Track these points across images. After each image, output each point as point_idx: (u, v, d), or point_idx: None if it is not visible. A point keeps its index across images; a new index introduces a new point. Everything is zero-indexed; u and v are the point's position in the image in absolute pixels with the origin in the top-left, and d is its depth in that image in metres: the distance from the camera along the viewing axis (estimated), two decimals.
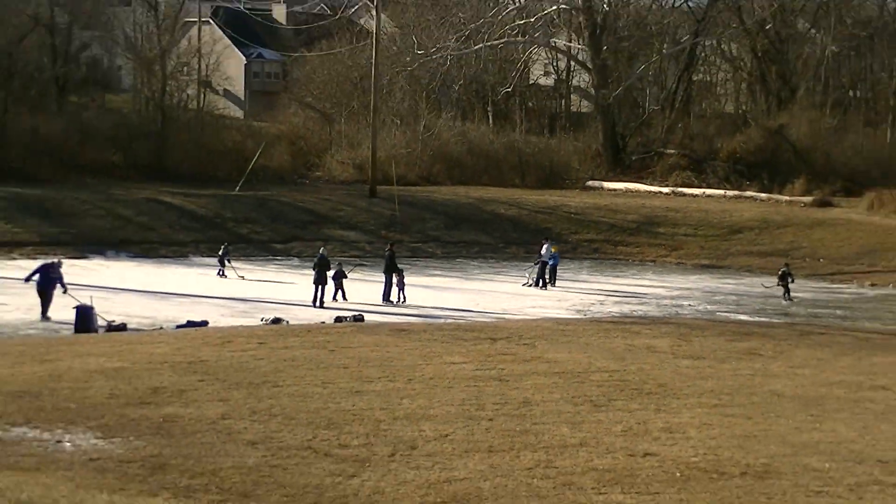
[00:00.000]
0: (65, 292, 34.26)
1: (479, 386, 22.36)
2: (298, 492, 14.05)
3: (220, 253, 45.53)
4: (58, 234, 50.63)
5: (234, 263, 44.95)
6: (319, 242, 45.29)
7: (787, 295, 41.87)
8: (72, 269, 40.13)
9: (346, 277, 39.88)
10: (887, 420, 20.18)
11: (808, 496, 15.08)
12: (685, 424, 19.04)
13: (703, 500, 14.62)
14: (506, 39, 64.64)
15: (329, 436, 17.56)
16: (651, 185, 65.83)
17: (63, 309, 33.68)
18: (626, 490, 14.98)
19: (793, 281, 42.33)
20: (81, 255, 48.25)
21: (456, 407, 20.20)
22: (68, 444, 16.53)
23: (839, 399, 22.23)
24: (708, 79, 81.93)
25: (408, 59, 64.34)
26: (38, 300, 34.74)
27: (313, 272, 39.31)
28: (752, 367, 25.88)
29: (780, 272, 42.58)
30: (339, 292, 39.56)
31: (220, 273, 45.27)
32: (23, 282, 35.99)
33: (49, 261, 36.71)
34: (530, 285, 45.44)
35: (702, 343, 29.38)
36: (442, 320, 35.75)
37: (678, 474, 15.86)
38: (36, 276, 35.06)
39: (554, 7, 65.91)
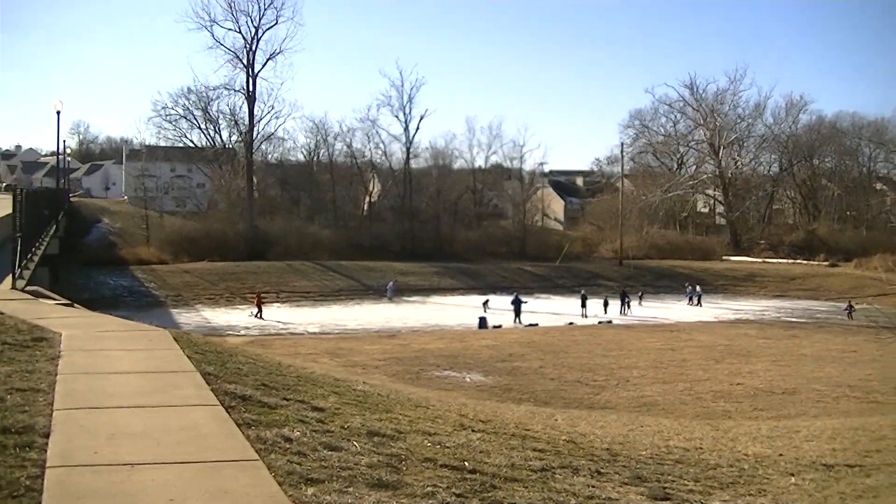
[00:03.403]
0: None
1: (660, 351, 41.77)
2: (571, 402, 32.81)
3: (513, 298, 67.33)
4: (474, 284, 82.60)
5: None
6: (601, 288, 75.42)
7: (850, 316, 64.90)
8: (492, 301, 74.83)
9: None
10: (854, 366, 38.28)
11: (812, 404, 33.04)
12: (758, 370, 37.11)
13: (764, 404, 32.59)
14: (684, 191, 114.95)
15: (587, 376, 37.12)
16: (753, 257, 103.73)
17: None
18: (727, 400, 32.98)
19: (854, 309, 66.65)
20: (484, 294, 75.38)
21: (649, 361, 39.55)
22: (468, 378, 36.93)
23: (833, 356, 40.34)
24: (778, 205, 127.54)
25: (641, 199, 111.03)
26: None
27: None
28: (793, 342, 43.66)
29: (848, 303, 68.87)
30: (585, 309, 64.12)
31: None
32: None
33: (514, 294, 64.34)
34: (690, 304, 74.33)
35: (771, 331, 48.12)
36: (647, 322, 57.39)
37: (752, 393, 34.08)
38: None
39: (706, 175, 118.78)
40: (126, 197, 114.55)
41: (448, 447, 8.86)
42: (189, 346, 12.67)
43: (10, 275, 20.63)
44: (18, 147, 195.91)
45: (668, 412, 30.17)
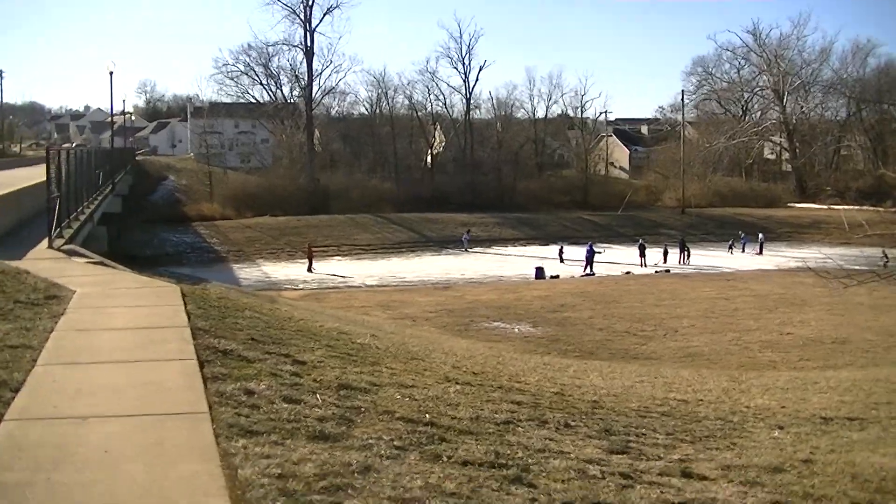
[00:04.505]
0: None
1: (713, 301, 41.33)
2: (616, 353, 32.72)
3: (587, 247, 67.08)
4: (535, 235, 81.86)
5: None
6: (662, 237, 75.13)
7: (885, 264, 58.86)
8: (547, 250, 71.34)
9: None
10: None
11: (861, 353, 32.43)
12: (810, 319, 36.48)
13: (812, 354, 32.16)
14: (748, 138, 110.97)
15: (636, 326, 36.97)
16: (819, 204, 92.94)
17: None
18: (774, 350, 32.69)
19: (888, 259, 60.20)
20: (546, 244, 76.00)
21: (700, 311, 39.22)
22: (516, 329, 37.04)
23: (889, 305, 39.20)
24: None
25: (705, 146, 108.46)
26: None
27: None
28: (850, 292, 42.49)
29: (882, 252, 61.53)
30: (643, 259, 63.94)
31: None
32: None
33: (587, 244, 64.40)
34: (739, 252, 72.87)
35: (827, 282, 46.77)
36: (705, 271, 56.41)
37: (801, 343, 33.61)
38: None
39: (771, 122, 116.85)
40: (192, 154, 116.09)
41: (417, 399, 9.00)
42: (194, 303, 12.97)
43: (48, 236, 21.13)
44: (87, 107, 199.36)
45: (713, 362, 30.03)
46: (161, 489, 5.53)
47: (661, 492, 6.85)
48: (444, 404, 9.04)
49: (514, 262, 66.11)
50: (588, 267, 59.88)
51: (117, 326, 10.92)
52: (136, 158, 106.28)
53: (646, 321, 37.96)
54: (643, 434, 9.38)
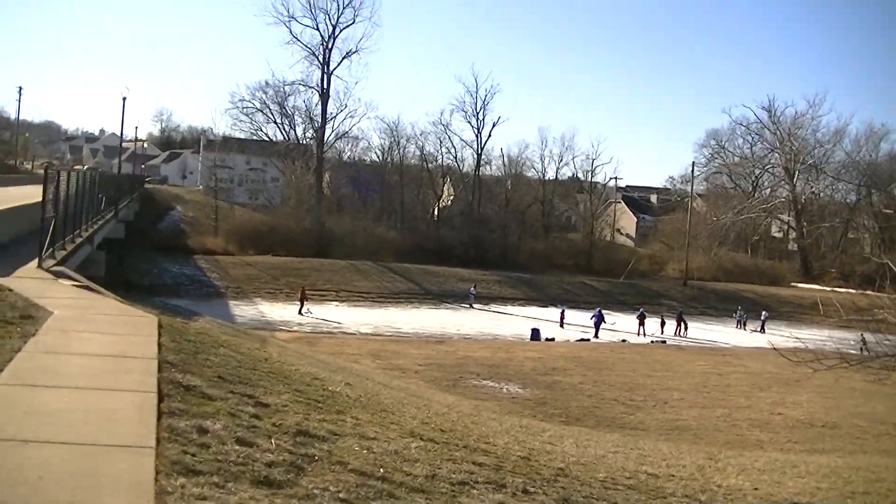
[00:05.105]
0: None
1: (706, 375, 41.05)
2: (603, 420, 32.56)
3: (595, 313, 67.01)
4: (535, 295, 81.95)
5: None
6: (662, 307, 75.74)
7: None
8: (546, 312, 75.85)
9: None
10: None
11: (851, 440, 32.13)
12: (802, 401, 36.06)
13: (800, 437, 31.85)
14: (756, 214, 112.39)
15: (626, 395, 36.70)
16: (822, 286, 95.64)
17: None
18: (763, 430, 32.40)
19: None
20: (545, 306, 75.97)
21: (691, 385, 38.95)
22: (505, 389, 36.79)
23: (884, 393, 37.40)
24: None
25: (713, 219, 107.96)
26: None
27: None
28: (845, 377, 42.31)
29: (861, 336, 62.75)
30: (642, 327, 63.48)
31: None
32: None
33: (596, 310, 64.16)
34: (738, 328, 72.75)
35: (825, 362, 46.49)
36: (702, 345, 56.24)
37: (791, 424, 33.24)
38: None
39: (780, 200, 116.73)
40: (201, 186, 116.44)
41: (374, 452, 8.82)
42: (169, 335, 12.83)
43: (39, 256, 21.04)
44: (102, 131, 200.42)
45: (699, 437, 29.73)
46: None
47: None
48: (402, 460, 8.86)
49: (511, 322, 65.91)
50: (596, 332, 59.92)
51: (85, 352, 10.77)
52: (146, 186, 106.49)
53: (636, 390, 37.74)
54: None
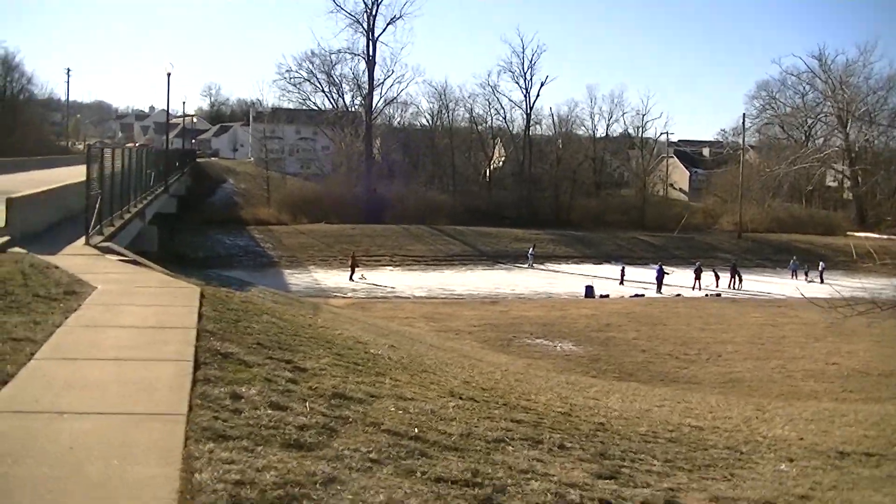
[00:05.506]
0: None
1: (761, 327, 40.54)
2: (656, 375, 32.30)
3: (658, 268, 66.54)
4: (589, 253, 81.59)
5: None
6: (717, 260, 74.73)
7: None
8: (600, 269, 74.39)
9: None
10: None
11: None
12: (858, 350, 35.15)
13: (855, 386, 31.21)
14: (810, 164, 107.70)
15: (680, 349, 36.46)
16: (879, 234, 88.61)
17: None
18: (818, 380, 31.94)
19: None
20: (599, 263, 76.46)
21: (746, 337, 38.53)
22: (559, 347, 36.75)
23: None
24: None
25: (765, 171, 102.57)
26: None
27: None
28: None
29: None
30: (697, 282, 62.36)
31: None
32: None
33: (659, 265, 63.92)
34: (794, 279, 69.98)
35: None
36: (756, 297, 55.54)
37: (846, 374, 32.71)
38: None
39: (833, 149, 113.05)
40: (252, 158, 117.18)
41: (410, 413, 8.86)
42: (211, 305, 12.96)
43: (86, 233, 21.34)
44: (152, 108, 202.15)
45: (753, 389, 29.47)
46: (110, 490, 5.47)
47: None
48: (438, 419, 8.89)
49: (565, 280, 65.63)
50: (659, 287, 59.68)
51: (125, 324, 10.93)
52: (197, 160, 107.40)
53: (690, 345, 37.49)
54: (640, 460, 9.14)
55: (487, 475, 7.06)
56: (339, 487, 5.99)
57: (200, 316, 11.70)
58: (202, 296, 13.42)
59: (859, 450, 11.86)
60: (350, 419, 8.00)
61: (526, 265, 74.07)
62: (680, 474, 8.68)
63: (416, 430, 8.14)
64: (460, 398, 10.76)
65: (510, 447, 8.36)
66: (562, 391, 15.83)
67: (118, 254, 19.46)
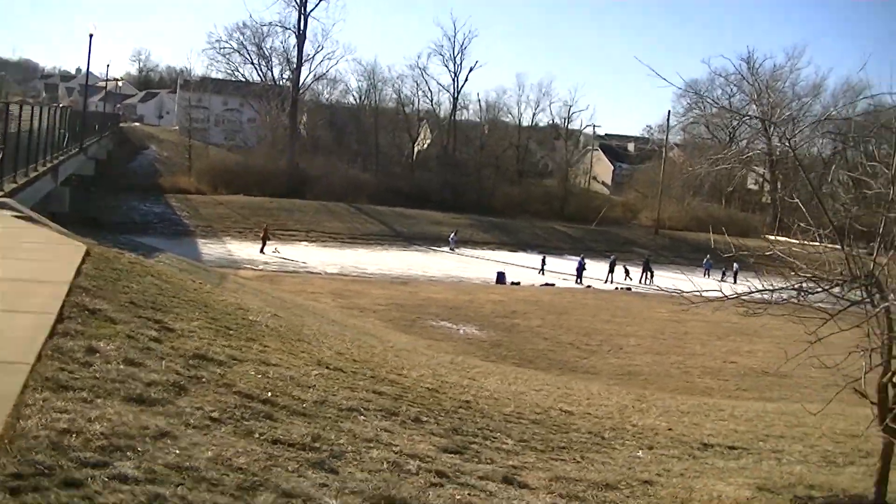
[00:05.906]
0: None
1: (665, 322, 41.32)
2: (555, 363, 32.80)
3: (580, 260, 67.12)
4: (506, 240, 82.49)
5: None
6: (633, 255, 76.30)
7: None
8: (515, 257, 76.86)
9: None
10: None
11: (798, 389, 32.62)
12: (758, 350, 36.19)
13: (750, 385, 32.04)
14: (731, 165, 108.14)
15: (582, 339, 37.05)
16: (793, 238, 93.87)
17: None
18: (714, 377, 32.78)
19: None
20: (515, 251, 77.68)
21: (649, 331, 39.31)
22: (461, 331, 37.06)
23: (848, 345, 39.41)
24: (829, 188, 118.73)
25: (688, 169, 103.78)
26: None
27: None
28: (804, 326, 43.10)
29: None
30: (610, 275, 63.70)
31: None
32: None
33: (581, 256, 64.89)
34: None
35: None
36: (666, 293, 57.20)
37: (742, 372, 33.68)
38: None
39: (753, 152, 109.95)
40: (177, 126, 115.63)
41: (269, 378, 8.96)
42: (94, 263, 12.83)
43: None
44: (79, 70, 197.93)
45: (649, 383, 30.05)
46: None
47: (469, 494, 6.83)
48: (296, 385, 9.00)
49: (479, 266, 66.10)
50: (579, 278, 60.31)
51: None
52: (120, 125, 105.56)
53: (593, 335, 38.10)
54: (494, 438, 9.36)
55: (328, 440, 7.20)
56: (168, 442, 6.07)
57: (79, 272, 11.60)
58: (87, 254, 13.29)
59: (724, 442, 12.23)
60: (204, 379, 8.08)
61: (447, 248, 74.35)
62: (530, 454, 8.91)
63: (270, 394, 8.24)
64: (327, 367, 10.88)
65: (362, 417, 8.51)
66: (439, 369, 16.02)
67: (12, 209, 19.14)
